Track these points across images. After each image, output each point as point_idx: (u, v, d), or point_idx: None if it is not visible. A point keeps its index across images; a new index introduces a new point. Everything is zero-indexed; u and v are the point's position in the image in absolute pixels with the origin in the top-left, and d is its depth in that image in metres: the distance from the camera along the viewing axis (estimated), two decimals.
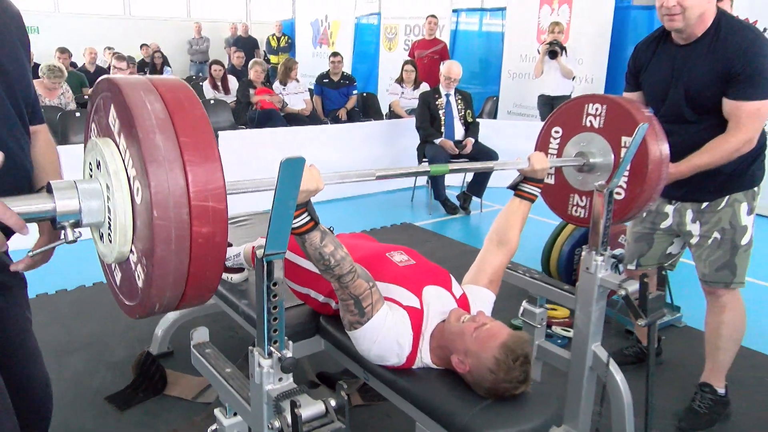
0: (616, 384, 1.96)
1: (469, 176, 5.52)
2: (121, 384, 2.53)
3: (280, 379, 1.24)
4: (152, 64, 10.47)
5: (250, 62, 7.16)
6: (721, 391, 2.40)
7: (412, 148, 5.65)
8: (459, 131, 5.38)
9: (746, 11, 5.28)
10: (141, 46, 10.87)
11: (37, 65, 5.82)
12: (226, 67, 8.14)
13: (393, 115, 6.96)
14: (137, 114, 0.88)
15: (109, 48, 10.20)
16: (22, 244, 1.24)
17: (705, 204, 2.26)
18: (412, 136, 5.64)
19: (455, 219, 5.34)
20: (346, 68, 8.48)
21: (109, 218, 0.95)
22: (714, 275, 2.27)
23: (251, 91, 6.69)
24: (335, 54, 7.55)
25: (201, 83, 8.26)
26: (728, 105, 2.07)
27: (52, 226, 0.95)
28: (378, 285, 1.66)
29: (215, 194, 0.90)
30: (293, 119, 6.69)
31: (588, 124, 1.97)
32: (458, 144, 5.27)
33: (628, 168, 1.87)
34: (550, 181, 2.11)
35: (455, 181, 5.93)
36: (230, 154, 4.42)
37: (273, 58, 11.01)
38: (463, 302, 1.78)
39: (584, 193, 2.03)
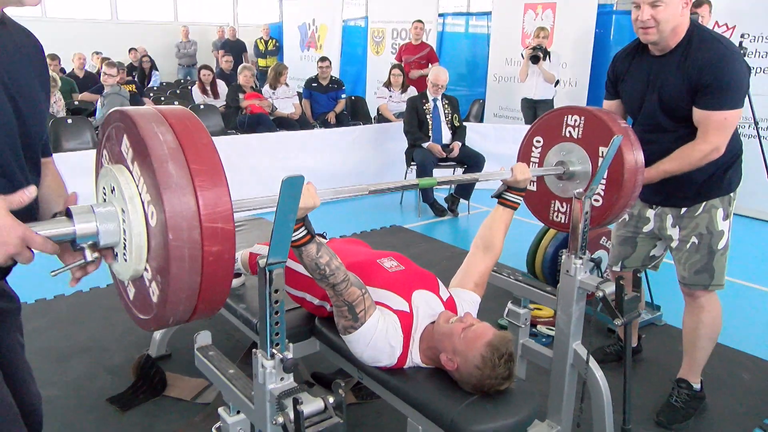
0: (595, 380, 2.06)
1: None
2: (122, 387, 2.59)
3: (282, 379, 1.33)
4: (140, 68, 10.47)
5: (240, 67, 7.20)
6: (697, 386, 2.49)
7: (401, 152, 5.74)
8: (446, 135, 5.47)
9: (725, 17, 5.36)
10: (129, 50, 10.86)
11: None
12: (215, 71, 8.16)
13: (381, 118, 7.04)
14: (151, 145, 0.96)
15: (98, 53, 10.22)
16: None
17: (683, 209, 2.34)
18: (401, 140, 5.72)
19: (444, 221, 5.44)
20: (334, 71, 8.54)
21: (125, 239, 1.02)
22: (693, 278, 2.35)
23: (240, 95, 6.75)
24: (323, 59, 7.63)
25: (190, 87, 8.29)
26: (697, 114, 2.16)
27: (71, 247, 1.02)
28: (370, 290, 1.75)
29: (224, 216, 0.97)
30: (283, 123, 6.75)
31: (567, 135, 2.06)
32: (446, 148, 5.38)
33: (605, 176, 1.97)
34: (533, 188, 2.19)
35: (443, 184, 6.00)
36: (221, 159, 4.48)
37: (261, 62, 11.09)
38: (450, 305, 1.88)
39: (564, 200, 2.12)
